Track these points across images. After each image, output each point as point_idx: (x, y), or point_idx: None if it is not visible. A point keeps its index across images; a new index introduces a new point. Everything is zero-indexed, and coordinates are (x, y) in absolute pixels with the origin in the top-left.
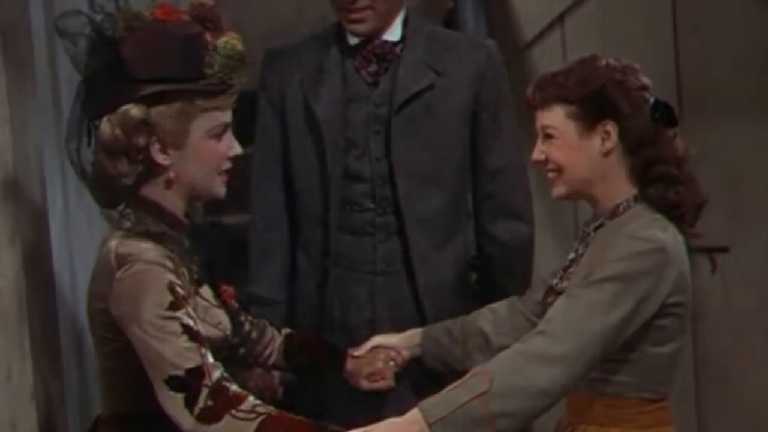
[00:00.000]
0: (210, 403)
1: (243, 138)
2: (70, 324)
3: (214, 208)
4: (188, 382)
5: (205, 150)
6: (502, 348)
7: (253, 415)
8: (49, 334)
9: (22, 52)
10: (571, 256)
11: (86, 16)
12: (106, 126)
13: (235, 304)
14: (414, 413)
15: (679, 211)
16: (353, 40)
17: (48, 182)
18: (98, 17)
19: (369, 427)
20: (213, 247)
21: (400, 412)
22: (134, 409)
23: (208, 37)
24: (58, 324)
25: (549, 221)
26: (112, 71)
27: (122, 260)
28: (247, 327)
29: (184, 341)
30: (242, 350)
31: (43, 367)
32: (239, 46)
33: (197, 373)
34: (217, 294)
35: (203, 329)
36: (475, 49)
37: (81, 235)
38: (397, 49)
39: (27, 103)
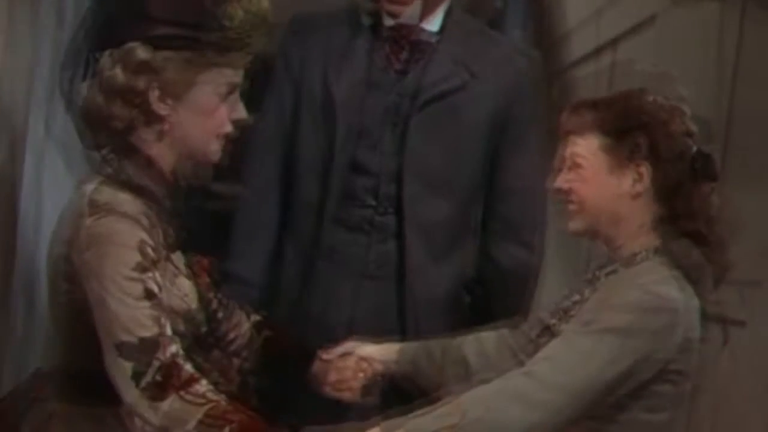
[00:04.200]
0: (158, 378)
1: (251, 105)
2: (27, 264)
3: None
4: (140, 352)
5: (206, 107)
6: (482, 381)
7: (201, 401)
8: (3, 271)
9: None
10: (575, 298)
11: None
12: (106, 60)
13: (206, 278)
14: None
15: (701, 274)
16: (389, 22)
17: (32, 108)
18: None
19: None
20: (195, 213)
21: (363, 416)
22: (79, 367)
23: None
24: (14, 261)
25: (559, 253)
26: (124, 3)
27: (95, 207)
28: (214, 305)
29: (144, 307)
30: (204, 329)
31: None
32: (265, 3)
33: (151, 343)
34: (190, 264)
35: (167, 298)
36: (517, 57)
37: (56, 174)
38: (434, 40)
39: (26, 18)
